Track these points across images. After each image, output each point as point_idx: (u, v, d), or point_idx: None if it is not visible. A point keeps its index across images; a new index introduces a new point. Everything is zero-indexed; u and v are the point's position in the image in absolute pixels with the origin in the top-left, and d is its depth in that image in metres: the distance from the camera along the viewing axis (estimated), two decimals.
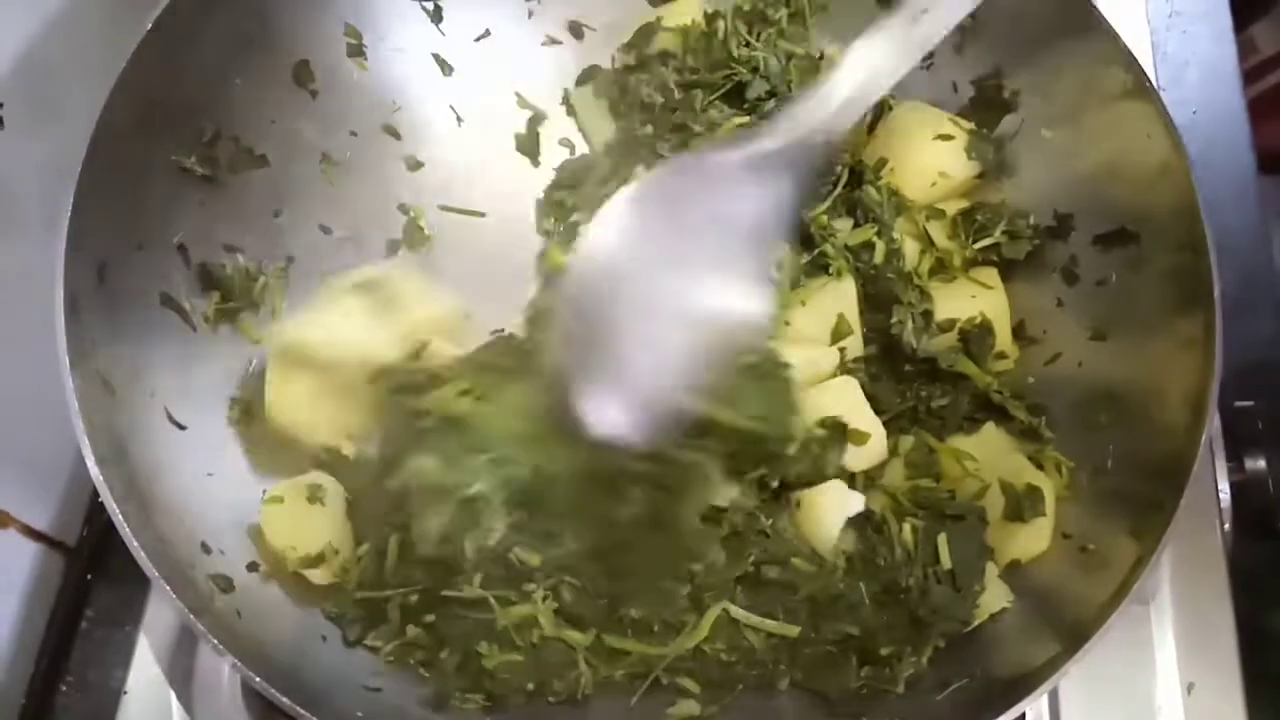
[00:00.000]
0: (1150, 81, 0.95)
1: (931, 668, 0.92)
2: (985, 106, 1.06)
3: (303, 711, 0.79)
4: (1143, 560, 0.83)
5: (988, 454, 0.99)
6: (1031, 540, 0.94)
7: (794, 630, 0.94)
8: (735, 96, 1.09)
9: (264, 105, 1.03)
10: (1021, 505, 0.94)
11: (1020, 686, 0.82)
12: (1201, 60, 1.24)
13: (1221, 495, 0.99)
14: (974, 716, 0.83)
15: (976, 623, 0.93)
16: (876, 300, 1.03)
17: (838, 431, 0.97)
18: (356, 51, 1.09)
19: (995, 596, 0.93)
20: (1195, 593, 1.00)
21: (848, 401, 0.98)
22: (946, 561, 0.93)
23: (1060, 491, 0.95)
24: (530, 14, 1.15)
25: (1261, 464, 1.00)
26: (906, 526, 0.95)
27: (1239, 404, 1.02)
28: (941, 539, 0.94)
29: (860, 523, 0.97)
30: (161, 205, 0.96)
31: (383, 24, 1.10)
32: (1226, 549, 1.00)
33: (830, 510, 0.96)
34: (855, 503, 0.96)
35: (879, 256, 1.03)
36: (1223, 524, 0.99)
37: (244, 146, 1.02)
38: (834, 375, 1.01)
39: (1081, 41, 0.97)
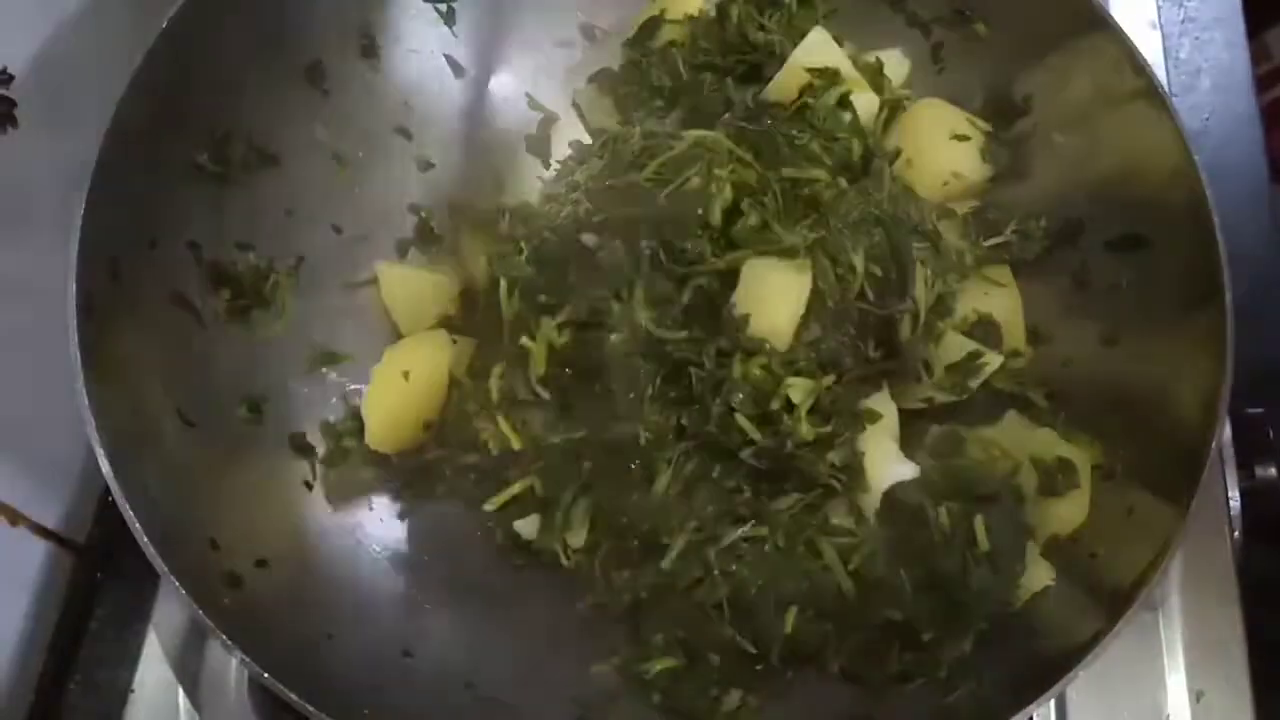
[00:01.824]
0: (1162, 87, 0.94)
1: (976, 651, 0.91)
2: (997, 110, 1.06)
3: (310, 708, 0.79)
4: (1153, 566, 0.83)
5: (1014, 439, 0.98)
6: (1069, 513, 0.94)
7: (846, 585, 0.93)
8: (750, 78, 1.09)
9: (277, 105, 1.04)
10: (1055, 479, 0.94)
11: (1065, 661, 0.81)
12: (1214, 66, 1.24)
13: (1231, 502, 0.99)
14: (1021, 694, 0.81)
15: (1020, 603, 0.92)
16: None
17: None
18: (370, 52, 1.09)
19: (1037, 575, 0.92)
20: (1205, 600, 1.00)
21: None
22: (984, 543, 0.91)
23: (1096, 459, 0.94)
24: (543, 16, 1.15)
25: (1272, 471, 1.00)
26: (943, 510, 0.94)
27: (1250, 410, 1.01)
28: (978, 521, 0.92)
29: (895, 510, 0.96)
30: (174, 204, 0.97)
31: (396, 25, 1.10)
32: (1236, 556, 1.00)
33: (879, 463, 0.96)
34: (906, 469, 0.96)
35: None
36: (1232, 531, 0.99)
37: (257, 146, 1.02)
38: None
39: (1093, 46, 0.97)
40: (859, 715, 0.92)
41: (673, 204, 0.97)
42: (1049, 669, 0.81)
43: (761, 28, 1.10)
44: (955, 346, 1.00)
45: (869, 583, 0.94)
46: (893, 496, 0.96)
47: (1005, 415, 1.00)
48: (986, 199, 1.07)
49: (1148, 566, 0.83)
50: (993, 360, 0.99)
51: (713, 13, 1.12)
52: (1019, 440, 0.98)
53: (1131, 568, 0.84)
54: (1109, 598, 0.84)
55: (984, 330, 1.02)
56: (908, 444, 1.00)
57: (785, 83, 1.05)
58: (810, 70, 1.04)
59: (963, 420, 1.01)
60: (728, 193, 0.97)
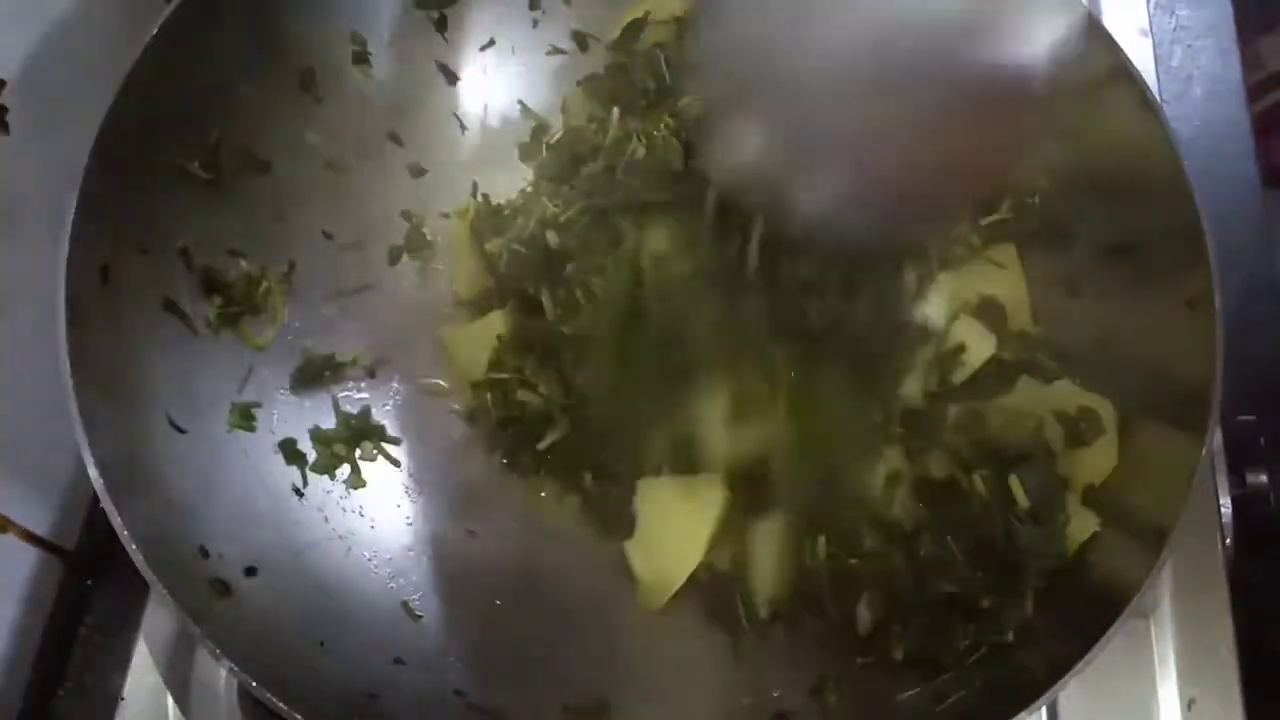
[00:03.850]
0: (1153, 95, 0.95)
1: (1038, 610, 0.91)
2: None
3: (299, 717, 0.78)
4: (1183, 498, 0.84)
5: (1033, 400, 0.99)
6: (1100, 460, 0.94)
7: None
8: None
9: (268, 111, 1.03)
10: (1080, 429, 0.95)
11: (1122, 600, 0.82)
12: (1206, 74, 1.24)
13: (1223, 510, 0.99)
14: (1084, 640, 0.81)
15: (1070, 554, 0.92)
16: None
17: None
18: (361, 59, 1.09)
19: (1083, 524, 0.93)
20: (1196, 607, 1.00)
21: None
22: (1023, 501, 0.92)
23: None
24: (535, 23, 1.15)
25: (1263, 478, 0.99)
26: (976, 478, 0.94)
27: (1241, 418, 1.01)
28: (1012, 480, 0.93)
29: (929, 488, 0.97)
30: (165, 210, 0.96)
31: (388, 32, 1.10)
32: (1227, 564, 1.00)
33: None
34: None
35: None
36: (1224, 538, 0.99)
37: (248, 152, 1.02)
38: None
39: (1084, 54, 0.97)
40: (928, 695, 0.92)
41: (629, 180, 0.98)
42: (1108, 612, 0.82)
43: None
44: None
45: (919, 559, 0.94)
46: (924, 475, 0.97)
47: (1019, 381, 1.00)
48: None
49: (1179, 498, 0.84)
50: (975, 355, 0.99)
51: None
52: (1038, 399, 0.99)
53: (1166, 502, 0.85)
54: (1153, 534, 0.85)
55: (988, 312, 1.03)
56: (930, 427, 1.01)
57: None
58: None
59: (977, 397, 1.01)
60: (675, 143, 0.98)
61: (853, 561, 0.96)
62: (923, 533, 0.95)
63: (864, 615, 0.94)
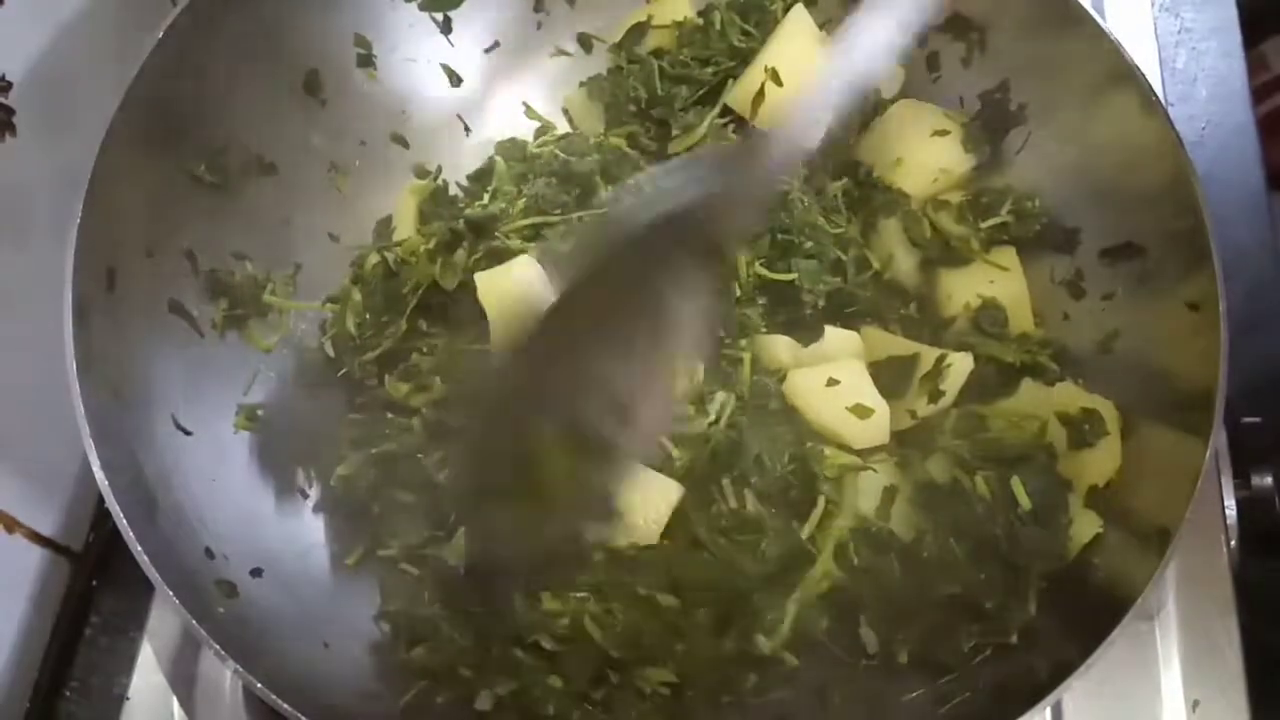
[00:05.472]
0: (1158, 96, 0.95)
1: (1041, 611, 0.91)
2: (992, 119, 1.06)
3: (304, 718, 0.79)
4: (1187, 499, 0.84)
5: (1035, 402, 0.99)
6: (1103, 462, 0.94)
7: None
8: (719, 93, 1.09)
9: (274, 114, 1.04)
10: (1083, 430, 0.94)
11: (1126, 601, 0.81)
12: (1210, 76, 1.24)
13: (1228, 511, 0.98)
14: (1087, 643, 0.81)
15: (1072, 555, 0.92)
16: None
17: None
18: (366, 61, 1.09)
19: (1085, 525, 0.92)
20: (1201, 609, 1.00)
21: (853, 379, 0.99)
22: (1025, 502, 0.92)
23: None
24: (539, 25, 1.16)
25: (1268, 480, 0.99)
26: (978, 479, 0.94)
27: (1246, 420, 1.01)
28: (1015, 482, 0.93)
29: (930, 490, 0.96)
30: (171, 212, 0.97)
31: (393, 34, 1.10)
32: (1232, 566, 1.00)
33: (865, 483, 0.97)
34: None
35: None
36: (1228, 540, 0.99)
37: (253, 155, 1.03)
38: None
39: (1088, 56, 0.97)
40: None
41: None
42: (1112, 613, 0.82)
43: (745, 33, 1.09)
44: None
45: (922, 563, 0.94)
46: (925, 478, 0.97)
47: (1020, 386, 1.00)
48: (977, 187, 1.08)
49: (1183, 500, 0.84)
50: (959, 368, 0.99)
51: (701, 20, 1.11)
52: (1040, 402, 0.99)
53: (1170, 504, 0.85)
54: (1157, 536, 0.85)
55: (989, 314, 1.03)
56: (928, 433, 1.00)
57: (747, 85, 1.06)
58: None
59: (977, 400, 1.01)
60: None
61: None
62: (923, 539, 0.95)
63: (868, 635, 0.94)
